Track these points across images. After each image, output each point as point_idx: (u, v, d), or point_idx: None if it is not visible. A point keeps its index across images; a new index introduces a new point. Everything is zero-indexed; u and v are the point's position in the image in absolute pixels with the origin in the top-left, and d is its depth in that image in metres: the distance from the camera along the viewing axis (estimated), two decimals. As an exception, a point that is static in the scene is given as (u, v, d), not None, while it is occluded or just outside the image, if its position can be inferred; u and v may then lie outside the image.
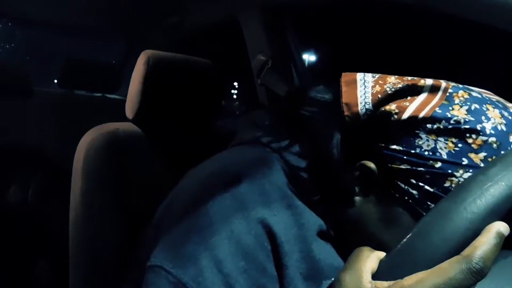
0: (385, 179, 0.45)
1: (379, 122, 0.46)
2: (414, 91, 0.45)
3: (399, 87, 0.46)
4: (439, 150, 0.42)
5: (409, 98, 0.45)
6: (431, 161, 0.42)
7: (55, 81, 2.00)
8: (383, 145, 0.45)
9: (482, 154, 0.41)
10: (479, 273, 0.30)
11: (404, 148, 0.44)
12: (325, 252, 0.47)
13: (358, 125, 0.48)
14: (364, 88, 0.48)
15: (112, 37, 2.32)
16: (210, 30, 1.59)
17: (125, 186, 0.75)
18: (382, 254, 0.38)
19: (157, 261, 0.42)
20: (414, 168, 0.43)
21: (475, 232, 0.33)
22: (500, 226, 0.32)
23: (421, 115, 0.43)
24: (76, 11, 1.72)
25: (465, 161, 0.41)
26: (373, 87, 0.48)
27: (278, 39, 1.25)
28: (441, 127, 0.42)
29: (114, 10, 1.67)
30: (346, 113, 0.48)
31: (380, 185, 0.46)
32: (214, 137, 0.77)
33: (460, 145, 0.41)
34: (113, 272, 0.71)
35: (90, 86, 1.98)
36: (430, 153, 0.42)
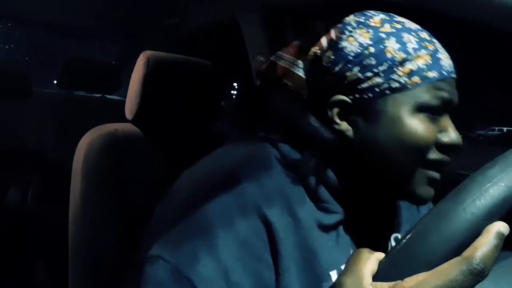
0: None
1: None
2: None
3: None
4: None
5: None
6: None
7: (55, 81, 2.00)
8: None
9: None
10: (479, 274, 0.30)
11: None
12: (322, 244, 0.47)
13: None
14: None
15: (111, 37, 2.32)
16: (210, 31, 1.59)
17: (124, 187, 0.75)
18: (381, 255, 0.38)
19: (154, 252, 0.43)
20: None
21: (475, 233, 0.33)
22: (500, 226, 0.32)
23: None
24: (76, 11, 1.72)
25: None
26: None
27: (278, 40, 1.25)
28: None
29: (113, 10, 1.67)
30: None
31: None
32: (214, 138, 0.77)
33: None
34: (112, 272, 0.71)
35: (90, 87, 1.97)
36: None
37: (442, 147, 0.47)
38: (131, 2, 1.55)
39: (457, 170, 1.23)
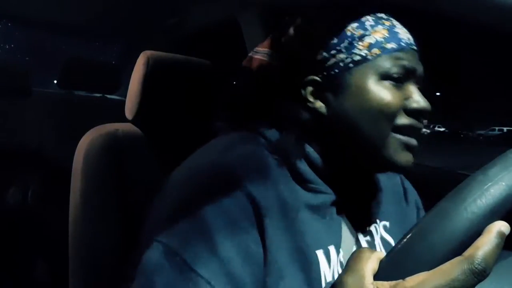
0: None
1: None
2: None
3: None
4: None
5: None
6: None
7: (55, 81, 2.00)
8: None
9: None
10: (481, 274, 0.30)
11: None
12: (309, 224, 0.48)
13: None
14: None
15: (111, 37, 2.32)
16: (210, 30, 1.59)
17: (124, 187, 0.75)
18: (382, 255, 0.38)
19: (150, 237, 0.45)
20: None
21: (476, 232, 0.33)
22: (501, 226, 0.32)
23: None
24: (76, 11, 1.72)
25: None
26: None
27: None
28: None
29: (113, 10, 1.67)
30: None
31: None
32: (213, 138, 0.77)
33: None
34: (112, 272, 0.71)
35: (90, 87, 1.97)
36: None
37: (410, 112, 0.50)
38: (131, 2, 1.55)
39: (457, 170, 1.23)
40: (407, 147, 0.50)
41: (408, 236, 0.35)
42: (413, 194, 0.69)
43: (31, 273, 1.54)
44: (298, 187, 0.50)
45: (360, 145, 0.51)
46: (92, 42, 2.56)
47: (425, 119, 0.52)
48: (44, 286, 1.53)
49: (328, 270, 0.48)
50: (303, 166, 0.51)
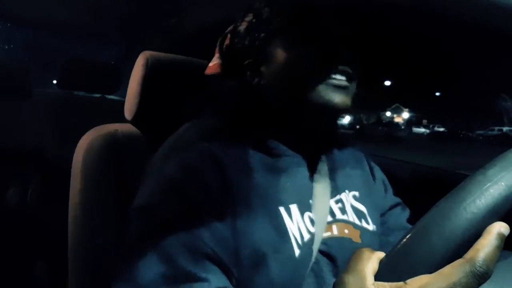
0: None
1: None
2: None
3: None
4: None
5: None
6: None
7: (54, 81, 2.00)
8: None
9: None
10: (482, 276, 0.30)
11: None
12: (272, 185, 0.55)
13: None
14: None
15: (111, 38, 2.32)
16: (210, 31, 1.59)
17: (123, 187, 0.75)
18: (382, 255, 0.38)
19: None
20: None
21: (475, 232, 0.33)
22: (500, 227, 0.32)
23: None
24: (75, 11, 1.72)
25: None
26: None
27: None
28: None
29: (113, 10, 1.67)
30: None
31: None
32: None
33: None
34: (112, 272, 0.71)
35: (89, 87, 1.97)
36: None
37: (329, 59, 0.56)
38: (131, 2, 1.55)
39: (457, 170, 1.23)
40: (337, 87, 0.56)
41: (407, 237, 0.35)
42: (379, 173, 0.75)
43: (31, 273, 1.54)
44: (259, 153, 0.57)
45: (297, 95, 0.58)
46: (92, 42, 2.56)
47: (345, 63, 0.57)
48: (43, 286, 1.53)
49: (292, 225, 0.54)
50: (262, 133, 0.59)
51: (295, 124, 0.61)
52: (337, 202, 0.62)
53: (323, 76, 0.56)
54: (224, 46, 0.66)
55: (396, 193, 0.77)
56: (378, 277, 0.36)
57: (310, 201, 0.58)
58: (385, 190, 0.74)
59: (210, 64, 0.69)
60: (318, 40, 0.57)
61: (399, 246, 0.36)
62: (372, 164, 0.75)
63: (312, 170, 0.61)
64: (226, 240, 0.49)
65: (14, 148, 1.64)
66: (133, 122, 0.81)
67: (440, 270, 0.32)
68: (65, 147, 0.96)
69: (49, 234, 1.48)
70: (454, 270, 0.31)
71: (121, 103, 0.83)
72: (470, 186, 0.35)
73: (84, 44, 2.59)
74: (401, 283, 0.33)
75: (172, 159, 0.55)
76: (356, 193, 0.66)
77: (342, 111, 0.59)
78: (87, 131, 0.79)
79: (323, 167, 0.63)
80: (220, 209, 0.50)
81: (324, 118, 0.62)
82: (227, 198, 0.51)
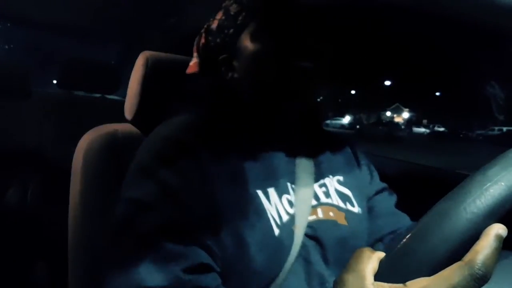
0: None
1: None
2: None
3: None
4: None
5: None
6: None
7: (54, 81, 2.00)
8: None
9: None
10: (481, 279, 0.30)
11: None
12: (247, 169, 0.57)
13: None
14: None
15: (111, 37, 2.32)
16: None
17: (124, 187, 0.75)
18: (382, 254, 0.38)
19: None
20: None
21: (475, 232, 0.33)
22: (498, 229, 0.32)
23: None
24: (75, 11, 1.72)
25: None
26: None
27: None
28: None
29: (113, 10, 1.67)
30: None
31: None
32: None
33: None
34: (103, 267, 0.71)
35: (89, 87, 1.97)
36: None
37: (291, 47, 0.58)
38: (131, 2, 1.55)
39: (456, 170, 1.23)
40: (304, 72, 0.58)
41: (408, 236, 0.35)
42: (364, 159, 0.77)
43: (31, 273, 1.54)
44: (234, 143, 0.59)
45: (264, 87, 0.60)
46: (92, 42, 2.56)
47: (307, 54, 0.59)
48: (43, 286, 1.53)
49: (270, 207, 0.56)
50: (237, 124, 0.62)
51: (269, 114, 0.63)
52: (321, 186, 0.64)
53: (286, 66, 0.57)
54: (200, 45, 0.69)
55: (396, 193, 0.77)
56: (378, 277, 0.36)
57: (288, 183, 0.60)
58: (371, 175, 0.76)
59: (190, 64, 0.71)
60: (280, 32, 0.58)
61: (399, 246, 0.36)
62: (356, 150, 0.77)
63: (291, 156, 0.64)
64: (205, 221, 0.51)
65: (14, 148, 1.64)
66: (133, 122, 0.81)
67: (439, 273, 0.32)
68: (65, 147, 0.96)
69: (49, 234, 1.49)
70: (453, 273, 0.31)
71: (121, 103, 0.83)
72: (470, 186, 0.35)
73: (84, 44, 2.59)
74: (400, 285, 0.33)
75: (146, 149, 0.58)
76: (340, 178, 0.69)
77: (307, 98, 0.62)
78: (87, 131, 0.79)
79: (303, 153, 0.65)
80: (197, 192, 0.52)
81: (292, 106, 0.63)
82: (202, 182, 0.53)
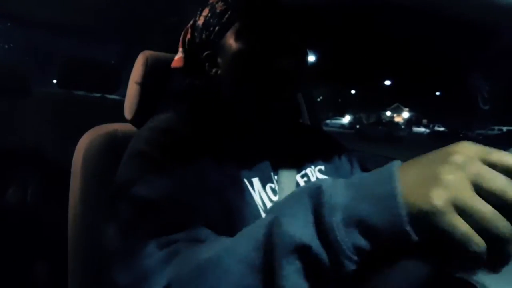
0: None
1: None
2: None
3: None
4: None
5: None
6: None
7: (54, 81, 2.00)
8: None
9: None
10: None
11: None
12: (236, 162, 0.59)
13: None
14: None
15: (111, 37, 2.32)
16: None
17: (124, 187, 0.75)
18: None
19: None
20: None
21: None
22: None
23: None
24: (75, 11, 1.72)
25: None
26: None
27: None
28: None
29: (113, 10, 1.67)
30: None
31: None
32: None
33: None
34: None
35: (89, 87, 1.97)
36: None
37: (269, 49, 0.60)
38: (131, 2, 1.55)
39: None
40: (286, 71, 0.60)
41: None
42: (345, 151, 0.79)
43: (31, 273, 1.54)
44: (223, 135, 0.61)
45: (246, 85, 0.62)
46: (92, 42, 2.56)
47: (289, 52, 0.61)
48: (43, 286, 1.53)
49: (255, 195, 0.58)
50: (219, 120, 0.63)
51: (250, 110, 0.65)
52: (302, 176, 0.67)
53: (268, 66, 0.59)
54: (186, 40, 0.70)
55: None
56: None
57: (272, 173, 0.63)
58: (351, 165, 0.78)
59: (175, 58, 0.72)
60: (263, 30, 0.60)
61: None
62: (337, 143, 0.81)
63: (273, 149, 0.66)
64: (197, 201, 0.52)
65: (14, 147, 1.64)
66: (133, 121, 0.81)
67: None
68: (65, 146, 0.96)
69: (49, 234, 1.48)
70: None
71: (121, 103, 0.83)
72: None
73: (84, 44, 2.59)
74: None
75: (134, 140, 0.60)
76: (322, 167, 0.71)
77: (289, 96, 0.64)
78: (87, 130, 0.79)
79: (285, 145, 0.68)
80: (187, 173, 0.53)
81: (274, 104, 0.64)
82: (191, 167, 0.54)
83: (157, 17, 1.63)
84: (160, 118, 0.63)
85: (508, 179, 0.30)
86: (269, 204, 0.59)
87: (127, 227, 0.49)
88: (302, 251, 0.34)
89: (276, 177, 0.64)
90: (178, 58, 0.72)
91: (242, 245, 0.39)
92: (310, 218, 0.35)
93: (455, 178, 0.31)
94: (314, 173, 0.69)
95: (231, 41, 0.62)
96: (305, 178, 0.67)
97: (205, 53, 0.66)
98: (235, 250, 0.39)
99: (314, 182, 0.39)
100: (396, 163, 0.35)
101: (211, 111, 0.65)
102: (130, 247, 0.46)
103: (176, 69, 0.72)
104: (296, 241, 0.34)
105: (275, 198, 0.61)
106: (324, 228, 0.34)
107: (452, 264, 0.31)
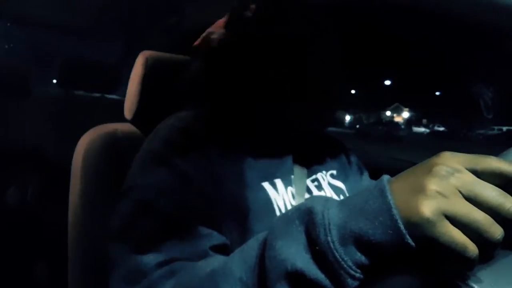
0: None
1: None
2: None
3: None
4: None
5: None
6: None
7: (54, 81, 2.00)
8: None
9: None
10: None
11: None
12: (256, 163, 0.57)
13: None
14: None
15: (111, 37, 2.32)
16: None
17: (124, 187, 0.75)
18: None
19: None
20: None
21: None
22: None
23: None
24: (75, 11, 1.72)
25: None
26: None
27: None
28: None
29: (113, 10, 1.67)
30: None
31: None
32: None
33: None
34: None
35: (89, 86, 1.97)
36: None
37: None
38: (131, 2, 1.55)
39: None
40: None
41: None
42: (354, 157, 0.80)
43: (30, 273, 1.54)
44: (244, 137, 0.59)
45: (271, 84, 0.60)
46: (92, 42, 2.56)
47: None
48: (43, 286, 1.53)
49: (278, 196, 0.56)
50: (242, 119, 0.61)
51: (271, 112, 0.63)
52: (313, 181, 0.66)
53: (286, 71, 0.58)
54: (244, 24, 0.64)
55: None
56: None
57: (292, 176, 0.61)
58: (361, 172, 0.78)
59: (213, 37, 0.66)
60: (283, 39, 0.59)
61: None
62: (347, 149, 0.81)
63: (289, 152, 0.64)
64: (214, 206, 0.51)
65: (14, 148, 1.64)
66: (133, 121, 0.81)
67: None
68: (65, 146, 0.96)
69: (49, 234, 1.48)
70: None
71: (121, 103, 0.83)
72: None
73: (84, 44, 2.59)
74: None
75: (156, 137, 0.58)
76: (334, 172, 0.70)
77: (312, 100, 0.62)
78: (87, 130, 0.79)
79: (299, 150, 0.66)
80: (207, 180, 0.52)
81: (291, 109, 0.63)
82: (210, 172, 0.53)
83: (157, 17, 1.63)
84: (181, 116, 0.61)
85: (493, 186, 0.31)
86: (289, 207, 0.57)
87: (127, 231, 0.49)
88: (295, 277, 0.34)
89: (292, 176, 0.62)
90: (217, 38, 0.65)
91: (238, 265, 0.39)
92: (303, 240, 0.35)
93: (441, 188, 0.31)
94: (326, 178, 0.68)
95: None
96: (316, 183, 0.66)
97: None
98: (231, 270, 0.39)
99: (304, 203, 0.38)
100: (385, 178, 0.36)
101: (231, 112, 0.63)
102: (128, 254, 0.46)
103: (184, 71, 0.69)
104: (287, 267, 0.34)
105: (294, 202, 0.59)
106: (321, 249, 0.33)
107: (445, 270, 0.32)
